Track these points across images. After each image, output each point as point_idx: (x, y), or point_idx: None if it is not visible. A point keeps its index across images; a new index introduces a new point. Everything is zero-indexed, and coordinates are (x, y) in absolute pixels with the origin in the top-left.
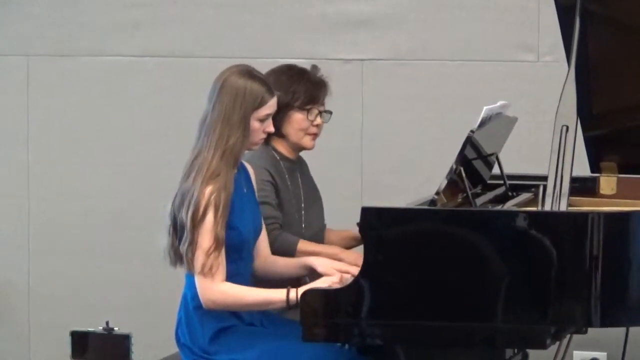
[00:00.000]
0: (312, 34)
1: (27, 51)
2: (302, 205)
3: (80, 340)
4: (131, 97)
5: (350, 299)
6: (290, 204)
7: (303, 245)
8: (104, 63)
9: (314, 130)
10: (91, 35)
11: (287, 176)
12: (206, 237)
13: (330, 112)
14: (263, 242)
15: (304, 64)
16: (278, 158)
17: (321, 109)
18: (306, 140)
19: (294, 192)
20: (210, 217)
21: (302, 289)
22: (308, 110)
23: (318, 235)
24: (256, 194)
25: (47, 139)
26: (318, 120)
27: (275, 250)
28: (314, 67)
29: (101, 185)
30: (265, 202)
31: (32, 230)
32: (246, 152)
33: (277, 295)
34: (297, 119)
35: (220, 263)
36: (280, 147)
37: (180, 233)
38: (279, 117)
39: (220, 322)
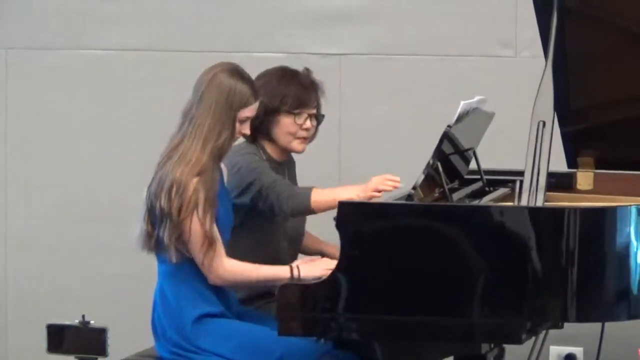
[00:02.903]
0: (290, 28)
1: (5, 44)
2: None
3: (56, 334)
4: (110, 91)
5: (326, 294)
6: None
7: (317, 195)
8: (83, 56)
9: (302, 134)
10: (70, 28)
11: None
12: (199, 228)
13: (323, 116)
14: None
15: (283, 58)
16: (265, 158)
17: (311, 112)
18: (295, 144)
19: None
20: (201, 209)
21: (303, 269)
22: (296, 115)
23: (298, 237)
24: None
25: (26, 132)
26: (307, 124)
27: (295, 200)
28: (306, 69)
29: (79, 179)
30: (265, 172)
31: (10, 224)
32: (232, 151)
33: (281, 272)
34: (285, 123)
35: (218, 245)
36: (269, 148)
37: (161, 220)
38: (267, 121)
39: (197, 309)
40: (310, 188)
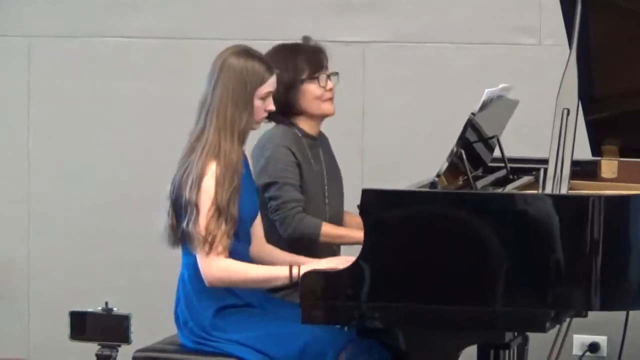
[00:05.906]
0: (313, 16)
1: (28, 32)
2: (325, 181)
3: (79, 321)
4: (132, 79)
5: (350, 281)
6: (315, 181)
7: (327, 228)
8: (106, 44)
9: (328, 95)
10: (92, 16)
11: (309, 153)
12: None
13: (337, 73)
14: (258, 227)
15: None
16: (300, 135)
17: (327, 73)
18: (326, 107)
19: (317, 168)
20: (227, 196)
21: (304, 267)
22: (317, 78)
23: (339, 212)
24: (254, 178)
25: (48, 120)
26: (329, 84)
27: (300, 234)
28: (305, 37)
29: (101, 166)
30: (288, 184)
31: (33, 211)
32: (268, 131)
33: (280, 272)
34: (310, 90)
35: (225, 240)
36: (302, 123)
37: (185, 213)
38: (291, 96)
39: (219, 301)
40: (320, 222)
